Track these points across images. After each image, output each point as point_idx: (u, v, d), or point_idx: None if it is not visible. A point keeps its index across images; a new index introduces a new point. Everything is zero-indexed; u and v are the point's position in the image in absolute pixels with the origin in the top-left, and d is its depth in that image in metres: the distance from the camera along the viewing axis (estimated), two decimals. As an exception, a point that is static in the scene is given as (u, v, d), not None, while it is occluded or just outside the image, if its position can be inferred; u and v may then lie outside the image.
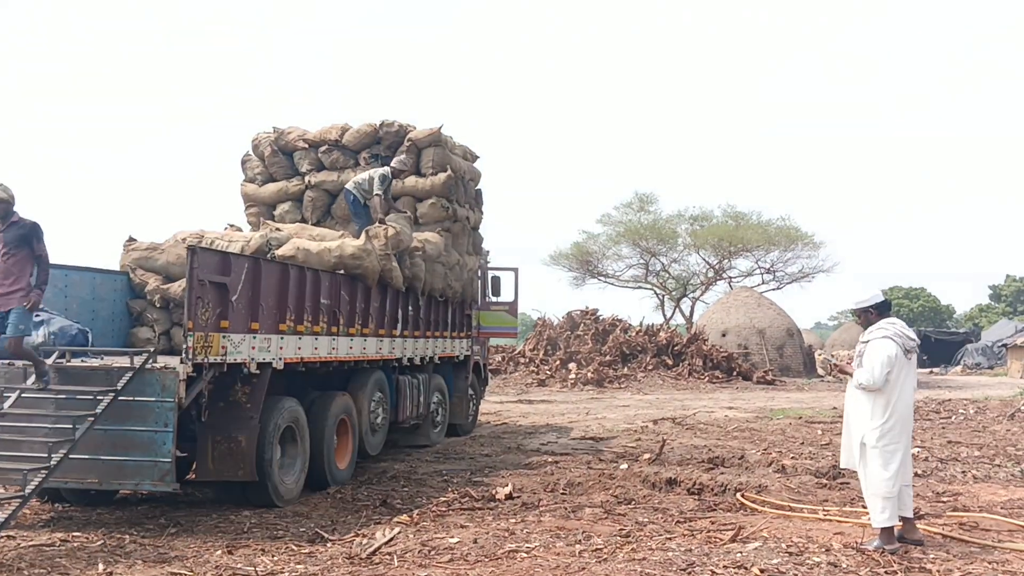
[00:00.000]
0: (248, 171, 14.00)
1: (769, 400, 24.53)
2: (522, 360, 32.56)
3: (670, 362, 30.81)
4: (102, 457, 7.25)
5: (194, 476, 8.75)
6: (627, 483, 9.79)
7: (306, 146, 13.73)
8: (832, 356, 7.94)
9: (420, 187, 13.32)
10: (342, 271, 10.27)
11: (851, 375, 6.68)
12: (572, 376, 29.42)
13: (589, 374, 29.17)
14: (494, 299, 16.22)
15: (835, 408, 20.28)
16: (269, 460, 8.62)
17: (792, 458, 11.72)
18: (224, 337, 7.79)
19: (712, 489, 9.14)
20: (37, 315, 8.48)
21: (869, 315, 6.76)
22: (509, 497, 9.38)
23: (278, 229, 10.89)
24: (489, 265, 16.41)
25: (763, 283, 48.65)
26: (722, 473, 10.19)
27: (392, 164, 12.58)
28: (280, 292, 8.80)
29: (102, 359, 7.84)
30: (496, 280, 16.24)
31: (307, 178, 13.46)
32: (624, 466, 11.16)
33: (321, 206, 13.42)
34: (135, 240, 10.93)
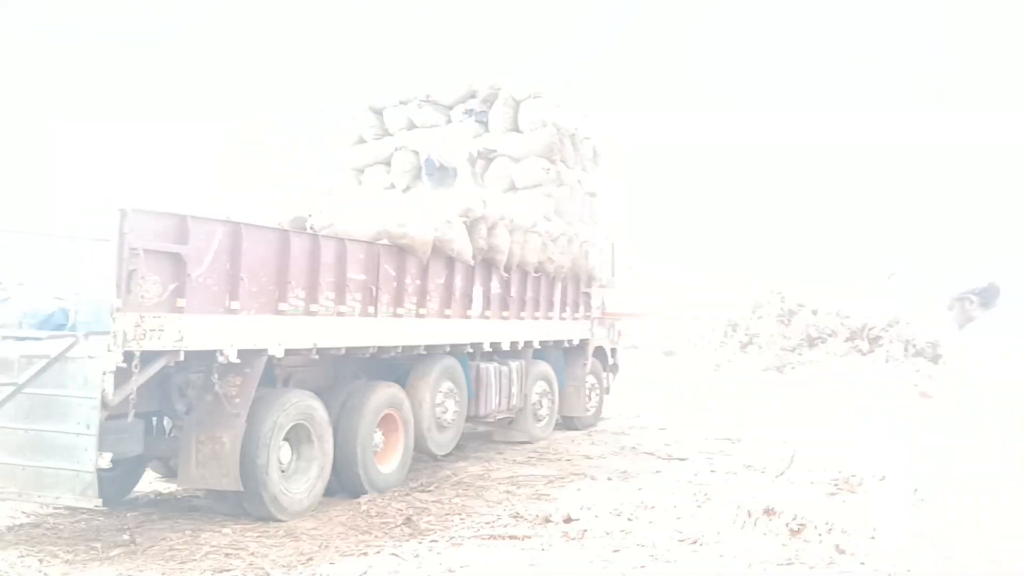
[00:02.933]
0: (339, 133, 12.74)
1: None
2: (699, 343, 30.16)
3: (865, 347, 27.51)
4: (22, 463, 6.04)
5: (176, 483, 7.50)
6: (718, 509, 7.73)
7: (397, 103, 12.30)
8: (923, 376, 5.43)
9: (517, 146, 11.58)
10: (384, 241, 8.71)
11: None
12: (750, 362, 26.78)
13: (769, 359, 26.44)
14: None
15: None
16: (263, 465, 7.21)
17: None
18: (181, 319, 6.39)
19: (817, 529, 6.93)
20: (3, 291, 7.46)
21: (967, 304, 4.50)
22: (568, 520, 7.58)
23: (321, 194, 9.47)
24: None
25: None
26: (842, 500, 7.91)
27: (467, 113, 10.96)
28: (280, 265, 7.34)
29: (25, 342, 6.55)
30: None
31: (396, 137, 12.01)
32: (737, 481, 9.06)
33: (411, 168, 11.93)
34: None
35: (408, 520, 7.52)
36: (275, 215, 9.28)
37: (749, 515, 7.26)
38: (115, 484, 8.30)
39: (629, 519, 7.54)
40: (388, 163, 12.15)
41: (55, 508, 7.57)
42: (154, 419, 7.88)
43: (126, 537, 6.75)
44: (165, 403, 7.38)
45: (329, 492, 8.44)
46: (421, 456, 10.09)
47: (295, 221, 9.12)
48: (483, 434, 12.34)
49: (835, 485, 8.66)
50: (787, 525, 6.92)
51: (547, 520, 7.59)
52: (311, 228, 8.86)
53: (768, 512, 7.15)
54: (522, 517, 7.68)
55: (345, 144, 12.59)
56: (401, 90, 12.31)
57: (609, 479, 9.58)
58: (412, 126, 12.11)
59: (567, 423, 13.40)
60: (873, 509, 7.27)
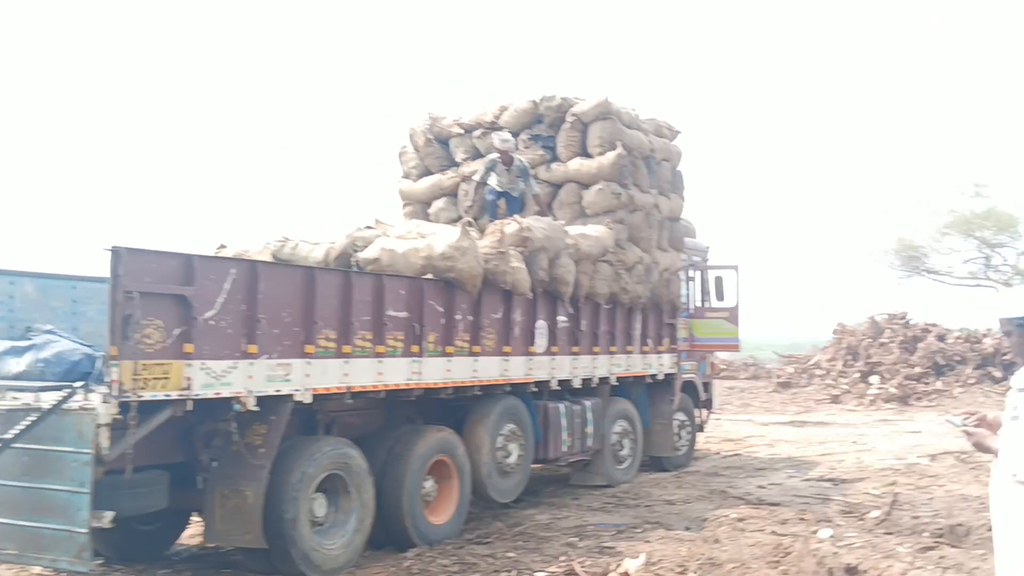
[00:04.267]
0: (404, 165, 12.33)
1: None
2: (818, 372, 28.62)
3: (998, 375, 25.48)
4: (21, 523, 5.68)
5: (202, 540, 7.07)
6: (795, 566, 6.82)
7: (461, 131, 11.83)
8: (957, 416, 4.52)
9: (585, 170, 10.92)
10: (429, 275, 8.18)
11: (994, 453, 3.54)
12: (872, 391, 25.16)
13: (892, 389, 24.77)
14: (718, 304, 13.37)
15: None
16: (291, 520, 6.70)
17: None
18: (188, 365, 5.96)
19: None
20: (29, 337, 7.21)
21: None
22: (626, 577, 6.83)
23: (368, 228, 9.01)
24: (708, 264, 13.61)
25: None
26: (940, 556, 6.86)
27: (496, 144, 10.44)
28: (305, 305, 6.86)
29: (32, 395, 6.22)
30: (718, 281, 13.37)
31: (461, 168, 11.51)
32: (827, 533, 8.09)
33: (479, 200, 11.39)
34: (224, 247, 9.53)
35: (453, 578, 6.90)
36: (324, 251, 8.94)
37: (830, 574, 6.37)
38: (156, 537, 7.98)
39: (695, 577, 6.72)
40: (455, 195, 11.67)
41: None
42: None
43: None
44: (190, 454, 6.97)
45: (376, 545, 7.92)
46: (490, 504, 9.49)
47: (340, 257, 8.74)
48: (562, 477, 11.63)
49: (938, 536, 7.62)
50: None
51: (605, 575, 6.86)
52: (356, 264, 8.44)
53: (850, 571, 6.24)
54: (575, 575, 6.95)
55: (411, 176, 12.17)
56: (466, 117, 11.83)
57: (688, 528, 8.74)
58: (478, 155, 11.60)
59: (655, 464, 12.56)
60: (972, 565, 6.26)
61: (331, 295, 7.06)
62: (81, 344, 7.27)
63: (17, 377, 6.67)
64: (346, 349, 7.19)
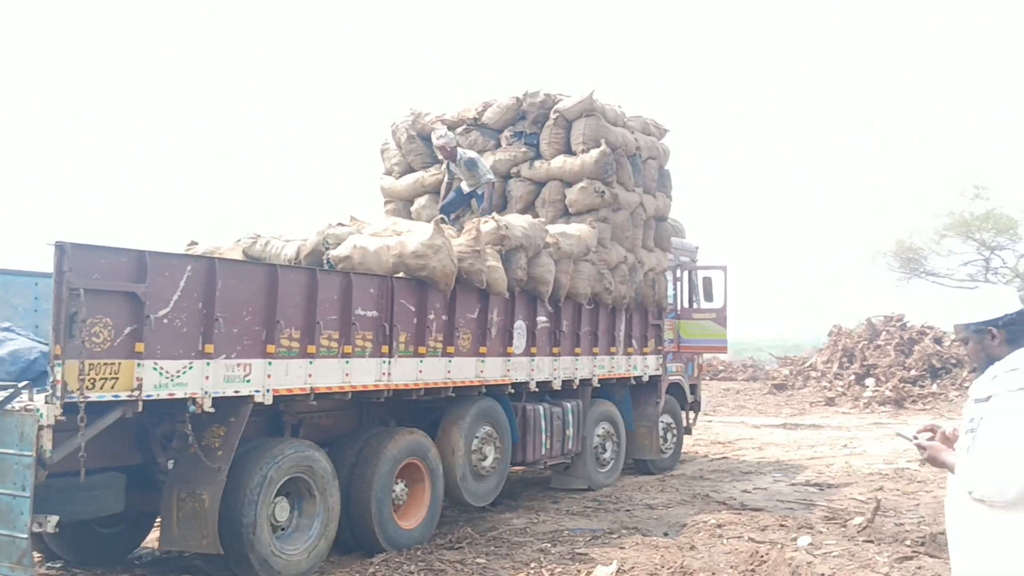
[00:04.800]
0: (386, 162, 12.14)
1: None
2: (813, 374, 28.42)
3: (995, 378, 25.22)
4: (-34, 525, 5.48)
5: (158, 545, 6.87)
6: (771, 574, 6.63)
7: (443, 128, 11.61)
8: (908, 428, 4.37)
9: (569, 168, 10.71)
10: (401, 274, 7.98)
11: (950, 468, 3.34)
12: (867, 394, 24.95)
13: (887, 391, 24.56)
14: (707, 305, 13.16)
15: None
16: (249, 525, 6.50)
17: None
18: (139, 365, 5.76)
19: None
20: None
21: (986, 340, 3.37)
22: (597, 586, 6.65)
23: (341, 224, 8.81)
24: (697, 264, 13.42)
25: None
26: (916, 567, 6.65)
27: (434, 142, 10.45)
28: (267, 304, 6.66)
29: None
30: (707, 282, 13.18)
31: (443, 166, 11.32)
32: (805, 541, 7.89)
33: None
34: (196, 244, 9.34)
35: (415, 586, 6.70)
36: (295, 249, 8.75)
37: (764, 560, 6.18)
38: (119, 540, 7.80)
39: (665, 588, 6.53)
40: (438, 192, 11.47)
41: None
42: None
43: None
44: (148, 456, 6.78)
45: (345, 549, 7.74)
46: (466, 508, 9.30)
47: (312, 255, 8.55)
48: (542, 480, 11.44)
49: (919, 545, 7.42)
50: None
51: (574, 586, 6.67)
52: (327, 261, 8.25)
53: (824, 583, 6.04)
54: (546, 583, 6.77)
55: (393, 172, 11.98)
56: (449, 113, 11.63)
57: (666, 534, 8.55)
58: (460, 151, 11.40)
59: (639, 467, 12.38)
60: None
61: (295, 293, 6.86)
62: (40, 342, 7.06)
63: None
64: (311, 349, 6.99)
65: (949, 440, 3.41)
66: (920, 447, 3.43)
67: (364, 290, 7.50)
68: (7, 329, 7.10)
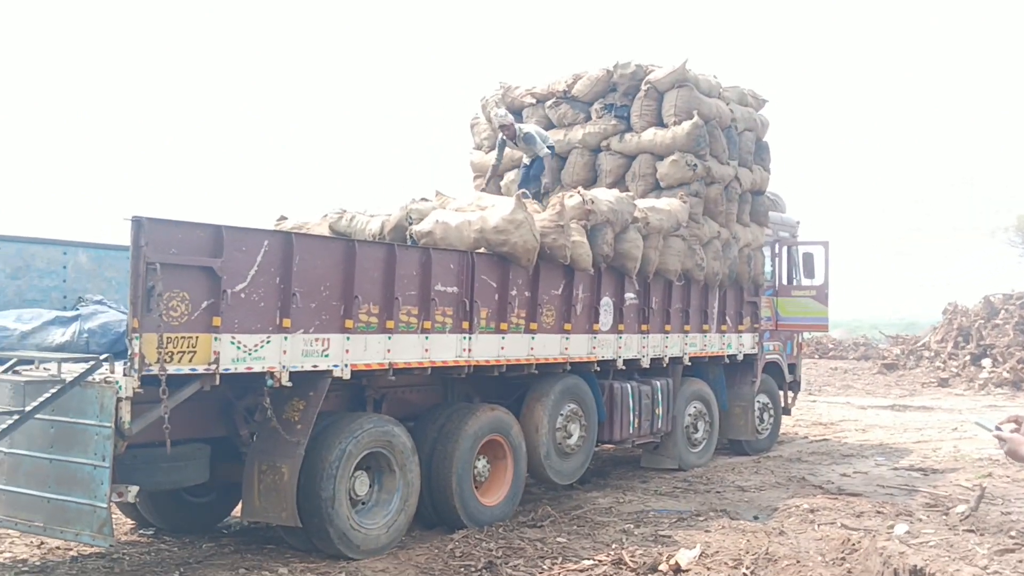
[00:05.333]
0: (476, 136, 12.06)
1: None
2: (926, 354, 27.33)
3: None
4: (47, 495, 5.64)
5: (239, 515, 6.97)
6: (859, 565, 6.34)
7: (534, 102, 11.48)
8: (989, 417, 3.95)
9: (660, 141, 10.44)
10: (482, 249, 7.90)
11: None
12: (983, 375, 23.87)
13: (1004, 373, 23.43)
14: (807, 282, 12.72)
15: None
16: (328, 499, 6.54)
17: None
18: (216, 339, 5.83)
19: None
20: (78, 308, 7.21)
21: None
22: (676, 571, 6.47)
23: (425, 200, 8.77)
24: (797, 240, 12.97)
25: None
26: (1019, 560, 6.26)
27: (495, 123, 10.43)
28: (346, 279, 6.66)
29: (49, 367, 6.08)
30: (808, 258, 12.72)
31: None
32: (902, 529, 7.55)
33: (551, 171, 11.02)
34: (285, 219, 9.44)
35: (490, 564, 6.64)
36: (379, 224, 8.77)
37: (855, 549, 5.89)
38: (208, 510, 7.98)
39: (746, 574, 6.31)
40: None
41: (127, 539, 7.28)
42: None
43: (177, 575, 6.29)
44: (232, 428, 6.88)
45: (427, 525, 7.75)
46: (551, 486, 9.23)
47: (396, 230, 8.56)
48: (633, 459, 11.27)
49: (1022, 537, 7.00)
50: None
51: (652, 570, 6.52)
52: (410, 236, 8.24)
53: (915, 574, 5.74)
54: (624, 564, 6.63)
55: (482, 147, 11.89)
56: (539, 86, 11.47)
57: (756, 518, 8.30)
58: (550, 125, 11.23)
59: (735, 448, 12.08)
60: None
61: (372, 269, 6.84)
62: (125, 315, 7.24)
63: (60, 348, 6.67)
64: (389, 324, 6.97)
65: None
66: (1000, 439, 3.17)
67: (444, 266, 7.45)
68: (99, 302, 7.32)
